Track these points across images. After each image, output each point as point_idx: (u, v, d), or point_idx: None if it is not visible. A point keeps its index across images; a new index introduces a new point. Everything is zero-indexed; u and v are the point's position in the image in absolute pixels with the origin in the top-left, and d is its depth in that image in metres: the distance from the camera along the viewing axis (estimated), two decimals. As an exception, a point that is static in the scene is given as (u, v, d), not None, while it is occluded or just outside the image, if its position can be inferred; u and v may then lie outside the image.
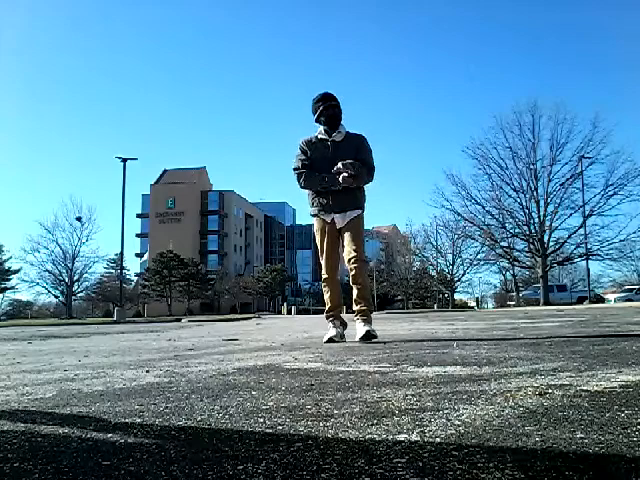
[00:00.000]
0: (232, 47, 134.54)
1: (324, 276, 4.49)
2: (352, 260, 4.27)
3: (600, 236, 34.30)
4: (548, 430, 1.22)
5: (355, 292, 4.28)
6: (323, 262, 4.45)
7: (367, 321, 4.19)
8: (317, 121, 4.39)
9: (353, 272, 4.28)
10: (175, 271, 57.95)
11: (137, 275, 70.84)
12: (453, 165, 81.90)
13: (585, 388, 1.73)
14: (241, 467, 1.03)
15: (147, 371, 2.70)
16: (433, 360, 2.68)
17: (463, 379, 2.01)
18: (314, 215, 4.46)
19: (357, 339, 4.15)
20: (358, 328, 4.18)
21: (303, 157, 4.36)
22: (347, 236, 4.33)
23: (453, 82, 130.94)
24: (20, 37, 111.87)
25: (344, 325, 4.43)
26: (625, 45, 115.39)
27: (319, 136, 4.38)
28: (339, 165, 4.15)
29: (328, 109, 4.30)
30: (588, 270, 36.25)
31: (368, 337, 4.05)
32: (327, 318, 4.44)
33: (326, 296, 4.48)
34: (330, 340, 4.20)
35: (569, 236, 35.33)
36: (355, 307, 4.27)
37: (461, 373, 2.18)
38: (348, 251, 4.30)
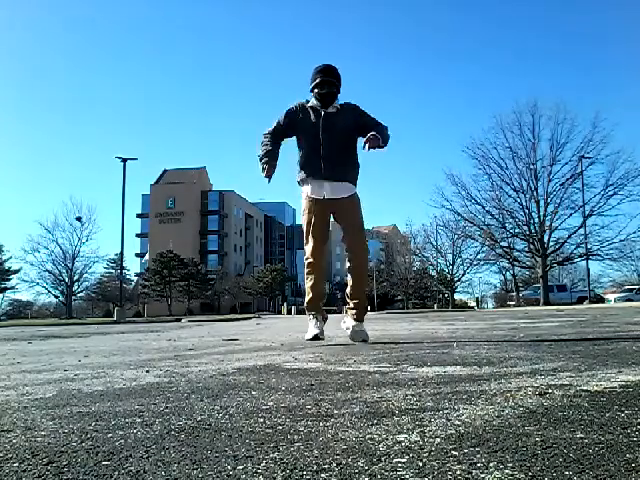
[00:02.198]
0: (232, 47, 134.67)
1: (309, 260, 4.05)
2: (358, 250, 4.01)
3: (600, 236, 34.43)
4: (548, 430, 1.22)
5: (355, 285, 4.03)
6: (310, 245, 4.04)
7: (360, 320, 4.05)
8: (311, 91, 4.07)
9: (356, 263, 4.01)
10: (175, 271, 57.98)
11: (137, 275, 70.83)
12: (453, 165, 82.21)
13: (585, 388, 1.73)
14: (241, 467, 1.03)
15: (147, 371, 2.70)
16: (433, 360, 2.68)
17: (463, 379, 2.01)
18: (301, 182, 4.12)
19: (348, 337, 4.07)
20: (349, 326, 4.06)
21: (279, 125, 4.08)
22: (349, 221, 4.06)
23: (453, 82, 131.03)
24: (20, 38, 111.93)
25: (325, 319, 4.15)
26: (625, 45, 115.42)
27: (311, 104, 4.07)
28: (369, 136, 3.79)
29: (324, 86, 3.96)
30: (588, 270, 36.28)
31: (360, 339, 3.97)
32: (309, 311, 4.08)
33: (309, 284, 4.06)
34: (315, 338, 3.95)
35: (569, 236, 35.42)
36: (351, 302, 4.06)
37: (461, 373, 2.18)
38: (352, 240, 4.02)
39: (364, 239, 4.18)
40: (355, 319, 4.05)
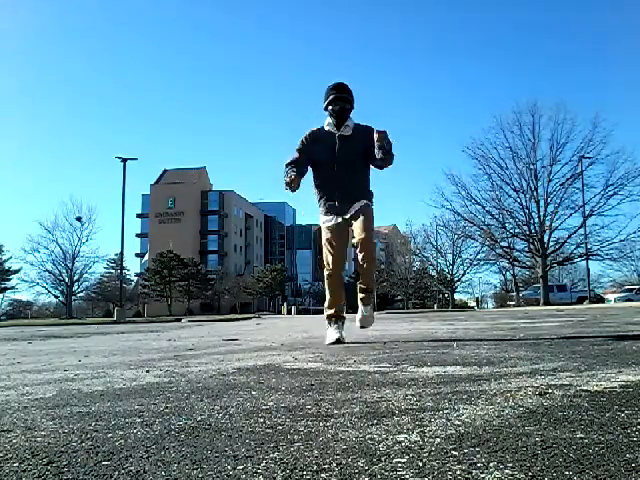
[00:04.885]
0: (232, 47, 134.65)
1: (328, 271, 4.26)
2: (362, 241, 4.05)
3: (600, 236, 34.36)
4: (548, 430, 1.22)
5: (364, 275, 4.19)
6: (330, 258, 4.23)
7: (367, 304, 4.23)
8: (325, 109, 4.22)
9: (364, 253, 4.07)
10: (175, 271, 57.94)
11: (137, 275, 70.77)
12: (453, 165, 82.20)
13: (585, 388, 1.73)
14: (241, 467, 1.03)
15: (147, 371, 2.70)
16: (433, 360, 2.68)
17: (463, 379, 2.01)
18: (320, 213, 4.29)
19: (357, 322, 4.27)
20: (359, 311, 4.25)
21: (297, 155, 4.18)
22: (358, 221, 4.14)
23: (453, 82, 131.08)
24: (21, 38, 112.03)
25: (344, 323, 4.33)
26: (625, 45, 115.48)
27: (326, 128, 4.21)
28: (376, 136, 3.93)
29: (337, 102, 4.09)
30: (588, 270, 36.25)
31: (365, 325, 4.26)
32: (329, 319, 4.29)
33: (329, 293, 4.29)
34: (337, 341, 4.10)
35: (569, 236, 35.36)
36: (361, 286, 4.21)
37: (461, 373, 2.18)
38: (358, 233, 4.10)
39: (372, 236, 4.23)
40: (364, 303, 4.23)
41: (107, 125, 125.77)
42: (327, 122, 4.23)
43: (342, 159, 4.11)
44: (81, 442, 1.27)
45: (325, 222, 4.29)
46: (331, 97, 4.10)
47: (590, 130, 33.90)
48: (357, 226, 4.17)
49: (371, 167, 4.32)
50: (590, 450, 1.06)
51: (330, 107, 4.14)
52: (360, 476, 0.96)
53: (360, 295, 4.25)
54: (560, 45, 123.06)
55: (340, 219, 4.22)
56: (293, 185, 4.03)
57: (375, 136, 3.94)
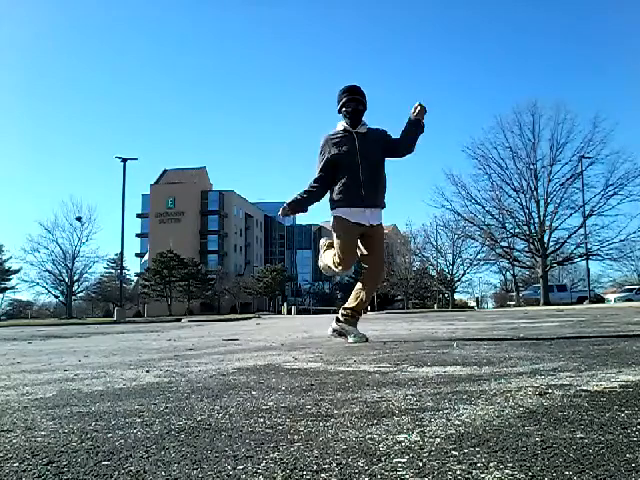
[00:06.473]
0: (232, 47, 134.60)
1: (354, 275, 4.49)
2: (374, 275, 4.27)
3: (600, 236, 34.37)
4: (548, 430, 1.22)
5: (365, 302, 4.25)
6: (347, 263, 4.25)
7: (354, 325, 4.25)
8: (339, 112, 4.22)
9: (367, 287, 4.22)
10: (175, 271, 57.94)
11: (137, 275, 70.76)
12: (453, 165, 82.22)
13: (585, 388, 1.73)
14: (241, 467, 1.03)
15: (147, 371, 2.70)
16: (433, 360, 2.68)
17: (463, 379, 2.01)
18: (338, 205, 4.18)
19: (329, 329, 4.33)
20: (344, 328, 4.25)
21: (325, 163, 4.16)
22: (373, 247, 4.23)
23: (453, 82, 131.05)
24: (21, 36, 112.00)
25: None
26: (626, 45, 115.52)
27: (341, 128, 4.20)
28: (416, 106, 4.13)
29: (351, 103, 4.13)
30: (588, 270, 36.26)
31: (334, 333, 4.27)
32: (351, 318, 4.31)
33: (361, 295, 4.28)
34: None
35: (569, 236, 35.38)
36: (344, 311, 4.27)
37: (461, 373, 2.18)
38: (373, 265, 4.23)
39: (384, 266, 4.44)
40: (349, 324, 4.24)
41: (107, 125, 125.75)
42: (341, 124, 4.22)
43: (364, 155, 4.09)
44: (81, 442, 1.27)
45: (347, 216, 4.15)
46: (344, 99, 4.14)
47: (590, 130, 33.97)
48: (374, 249, 4.23)
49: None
50: (590, 450, 1.06)
51: (344, 109, 4.16)
52: (360, 476, 0.96)
53: (343, 318, 4.24)
54: (560, 45, 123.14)
55: (364, 220, 4.14)
56: (282, 214, 4.39)
57: (414, 109, 4.10)
